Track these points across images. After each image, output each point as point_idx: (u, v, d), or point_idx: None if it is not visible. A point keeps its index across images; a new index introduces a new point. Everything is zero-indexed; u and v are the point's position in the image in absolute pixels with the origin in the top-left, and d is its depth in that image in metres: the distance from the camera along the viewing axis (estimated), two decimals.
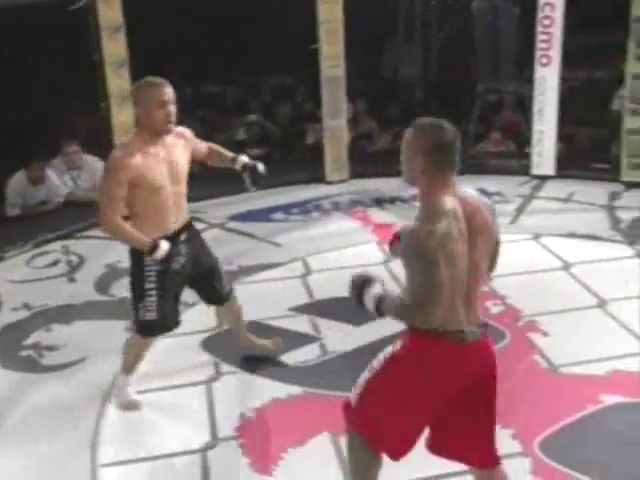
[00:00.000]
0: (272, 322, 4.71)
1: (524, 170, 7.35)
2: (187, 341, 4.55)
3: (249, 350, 4.35)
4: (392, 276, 5.20)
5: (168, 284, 3.69)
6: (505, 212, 6.47)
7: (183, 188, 3.68)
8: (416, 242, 2.48)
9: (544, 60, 6.94)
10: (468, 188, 2.70)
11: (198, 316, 4.78)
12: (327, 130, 7.29)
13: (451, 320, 2.56)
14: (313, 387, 4.12)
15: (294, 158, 7.92)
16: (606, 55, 7.84)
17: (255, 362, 4.33)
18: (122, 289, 5.27)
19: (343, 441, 3.63)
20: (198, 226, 6.19)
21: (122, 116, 6.36)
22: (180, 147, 3.67)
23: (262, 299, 4.98)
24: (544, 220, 6.26)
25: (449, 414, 2.69)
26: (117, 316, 4.90)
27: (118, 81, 6.30)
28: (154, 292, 3.66)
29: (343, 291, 4.96)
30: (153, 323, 3.74)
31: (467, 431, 2.69)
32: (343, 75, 7.17)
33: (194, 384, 4.17)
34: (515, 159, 7.66)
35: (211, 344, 4.56)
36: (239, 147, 8.16)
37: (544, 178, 7.21)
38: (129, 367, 3.97)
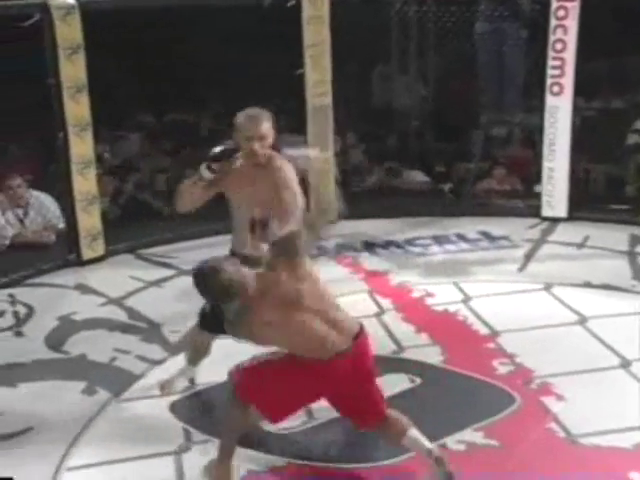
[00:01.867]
0: None
1: (533, 211, 7.37)
2: (154, 404, 4.49)
3: None
4: (385, 329, 5.19)
5: None
6: (512, 258, 6.49)
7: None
8: None
9: (556, 88, 6.99)
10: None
11: (166, 375, 4.71)
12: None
13: (329, 349, 3.48)
14: (298, 458, 4.06)
15: None
16: (625, 82, 7.93)
17: None
18: (78, 345, 5.21)
19: None
20: (166, 273, 6.29)
21: (81, 148, 6.32)
22: (264, 178, 4.10)
23: (241, 355, 4.82)
24: (556, 268, 6.25)
25: (334, 402, 3.69)
26: (72, 377, 4.82)
27: (76, 108, 6.27)
28: None
29: None
30: (205, 315, 4.33)
31: (353, 407, 3.65)
32: (330, 104, 7.20)
33: (162, 454, 4.09)
34: (522, 199, 7.69)
35: (181, 408, 4.49)
36: None
37: (556, 220, 7.23)
38: (189, 358, 4.62)
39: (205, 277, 3.37)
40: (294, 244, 3.48)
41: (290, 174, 4.11)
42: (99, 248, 6.57)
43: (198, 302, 5.75)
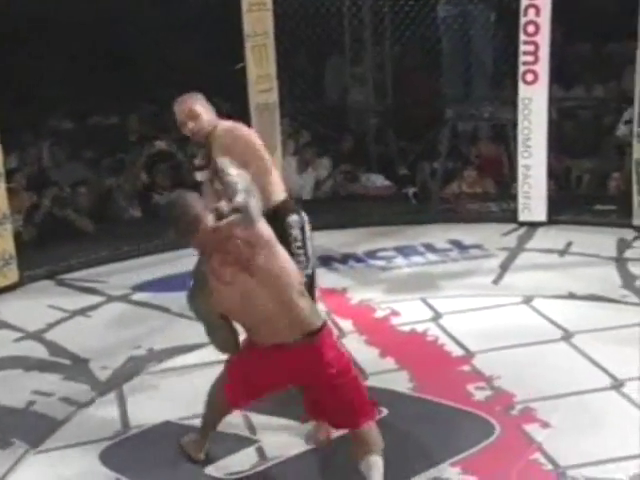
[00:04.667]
0: (195, 422, 4.55)
1: (509, 216, 7.44)
2: (81, 454, 4.41)
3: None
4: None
5: None
6: (486, 269, 6.53)
7: None
8: None
9: (529, 77, 7.07)
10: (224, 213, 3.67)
11: (94, 419, 4.66)
12: None
13: (268, 336, 3.66)
14: None
15: None
16: (608, 69, 8.04)
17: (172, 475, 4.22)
18: None
19: None
20: (92, 300, 6.23)
21: None
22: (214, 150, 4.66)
23: (181, 392, 4.90)
24: (536, 278, 6.30)
25: (304, 393, 3.86)
26: None
27: None
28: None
29: None
30: None
31: (323, 406, 3.83)
32: (276, 101, 7.20)
33: None
34: (496, 202, 7.74)
35: (112, 456, 4.40)
36: (144, 193, 8.12)
37: (534, 225, 7.30)
38: None
39: (172, 204, 3.76)
40: (249, 213, 3.66)
41: (226, 140, 4.58)
42: (12, 274, 6.49)
43: (131, 332, 5.74)
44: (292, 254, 4.49)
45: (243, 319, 3.74)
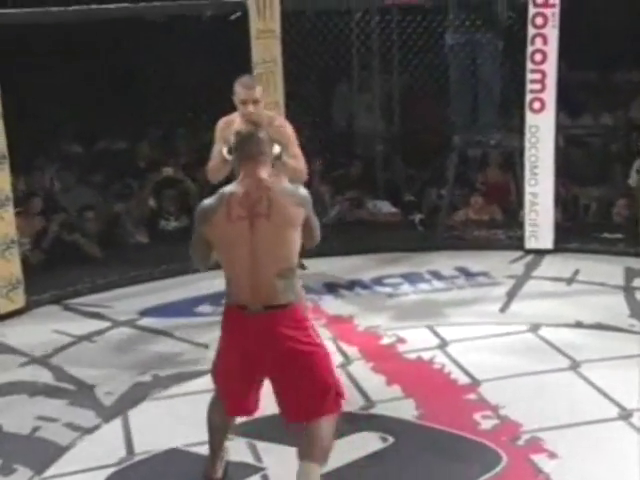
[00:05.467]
0: (199, 449, 4.54)
1: (515, 243, 7.42)
2: (86, 479, 4.36)
3: None
4: (352, 381, 5.18)
5: None
6: (493, 297, 6.50)
7: None
8: None
9: (536, 105, 7.09)
10: (282, 183, 3.91)
11: (99, 445, 4.62)
12: None
13: (236, 294, 3.77)
14: None
15: None
16: (616, 98, 8.04)
17: None
18: None
19: None
20: (98, 325, 6.22)
21: None
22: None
23: (186, 418, 4.84)
24: (543, 307, 6.29)
25: (274, 388, 3.86)
26: None
27: None
28: None
29: None
30: None
31: (287, 396, 3.83)
32: None
33: None
34: (503, 230, 7.73)
35: None
36: (152, 219, 8.12)
37: (541, 253, 7.29)
38: None
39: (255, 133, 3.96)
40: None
41: (292, 131, 5.26)
42: (19, 299, 6.48)
43: (137, 357, 5.72)
44: None
45: (223, 261, 3.80)
